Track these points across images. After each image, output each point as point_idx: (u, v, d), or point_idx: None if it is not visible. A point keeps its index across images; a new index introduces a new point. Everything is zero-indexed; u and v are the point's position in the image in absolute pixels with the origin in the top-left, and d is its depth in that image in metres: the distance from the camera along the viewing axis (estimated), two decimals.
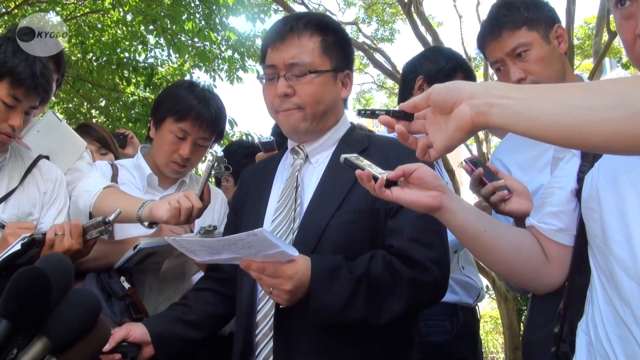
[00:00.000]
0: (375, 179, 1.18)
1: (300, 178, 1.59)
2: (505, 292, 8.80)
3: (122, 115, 8.07)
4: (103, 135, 2.91)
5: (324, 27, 1.61)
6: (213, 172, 1.71)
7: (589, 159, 1.21)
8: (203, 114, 2.00)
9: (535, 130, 0.87)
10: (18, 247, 1.48)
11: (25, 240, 1.50)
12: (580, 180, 1.21)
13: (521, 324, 8.50)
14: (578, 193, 1.20)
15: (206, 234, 1.79)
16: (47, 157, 1.95)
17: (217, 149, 2.14)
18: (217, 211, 2.16)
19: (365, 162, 1.23)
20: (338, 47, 1.62)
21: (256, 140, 3.67)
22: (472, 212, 1.24)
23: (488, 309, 16.24)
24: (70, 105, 8.73)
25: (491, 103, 0.90)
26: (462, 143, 1.00)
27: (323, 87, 1.57)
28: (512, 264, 1.26)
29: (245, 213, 1.69)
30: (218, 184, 2.85)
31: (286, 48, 1.56)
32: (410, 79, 2.30)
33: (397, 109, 1.07)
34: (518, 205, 1.54)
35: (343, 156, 1.28)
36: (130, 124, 7.75)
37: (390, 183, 1.18)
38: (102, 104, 8.69)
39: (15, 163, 1.85)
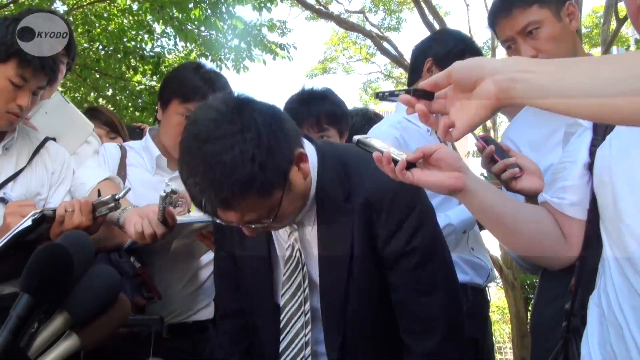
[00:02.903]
0: (395, 161, 1.13)
1: (301, 250, 1.48)
2: (513, 281, 8.79)
3: (129, 104, 8.09)
4: (112, 119, 2.90)
5: None
6: (166, 206, 1.63)
7: (600, 132, 1.20)
8: (209, 95, 1.99)
9: (562, 105, 0.85)
10: (29, 222, 1.49)
11: (36, 216, 1.51)
12: (592, 154, 1.19)
13: (528, 312, 8.50)
14: (590, 167, 1.18)
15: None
16: (53, 139, 1.95)
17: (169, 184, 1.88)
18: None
19: (380, 144, 1.18)
20: None
21: None
22: (493, 192, 1.22)
23: (495, 298, 16.23)
24: (78, 94, 8.74)
25: (514, 78, 0.88)
26: (486, 121, 0.98)
27: None
28: (533, 242, 1.25)
29: (244, 269, 1.58)
30: None
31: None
32: (419, 62, 2.29)
33: (417, 87, 1.03)
34: (529, 183, 1.52)
35: (356, 138, 1.21)
36: (137, 113, 7.77)
37: (409, 165, 1.14)
38: (109, 92, 8.68)
39: (23, 143, 1.85)
